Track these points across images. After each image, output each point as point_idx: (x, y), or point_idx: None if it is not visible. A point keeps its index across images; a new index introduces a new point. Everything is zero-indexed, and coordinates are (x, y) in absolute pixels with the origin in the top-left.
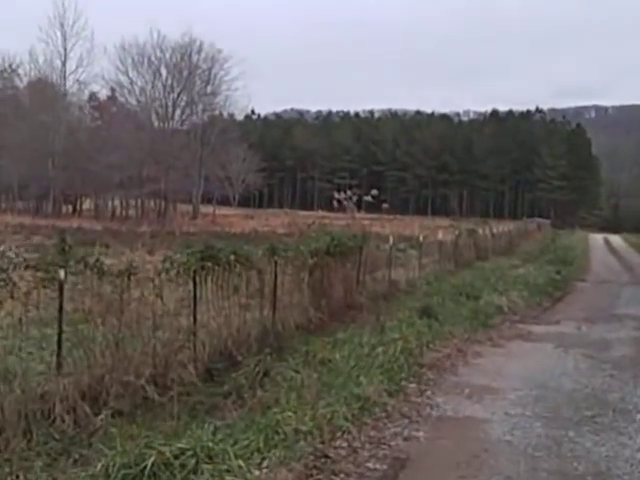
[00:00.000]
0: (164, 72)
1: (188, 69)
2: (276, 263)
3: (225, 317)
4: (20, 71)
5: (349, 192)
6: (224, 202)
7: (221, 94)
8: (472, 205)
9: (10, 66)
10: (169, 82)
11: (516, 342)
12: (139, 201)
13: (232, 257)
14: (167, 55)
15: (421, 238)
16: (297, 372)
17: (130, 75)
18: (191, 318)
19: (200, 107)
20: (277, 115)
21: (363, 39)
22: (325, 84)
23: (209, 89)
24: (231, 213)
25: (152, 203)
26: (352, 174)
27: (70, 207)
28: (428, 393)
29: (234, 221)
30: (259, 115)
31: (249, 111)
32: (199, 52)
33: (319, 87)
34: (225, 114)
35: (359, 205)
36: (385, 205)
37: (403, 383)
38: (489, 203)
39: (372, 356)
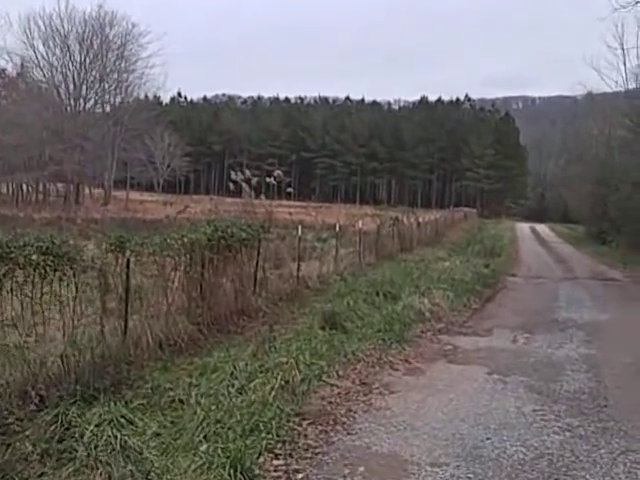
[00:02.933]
0: (74, 46)
1: (100, 43)
2: (128, 261)
3: (35, 339)
4: None
5: (247, 172)
6: (149, 188)
7: (136, 71)
8: (400, 194)
9: None
10: (80, 57)
11: (439, 364)
12: (43, 185)
13: (36, 257)
14: (77, 28)
15: (337, 227)
16: (118, 426)
17: (38, 49)
18: None
19: (112, 85)
20: (207, 100)
21: (297, 27)
22: (257, 71)
23: (122, 66)
24: (149, 199)
25: (58, 187)
26: (281, 160)
27: None
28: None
29: (150, 207)
30: (186, 98)
31: (176, 94)
32: (112, 25)
33: (250, 74)
34: (141, 94)
35: (273, 190)
36: (290, 189)
37: (261, 459)
38: (417, 192)
39: (240, 395)
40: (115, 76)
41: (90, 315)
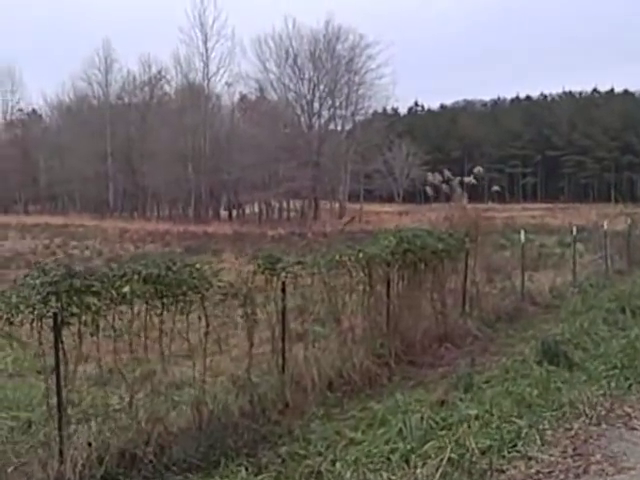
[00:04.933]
0: (305, 64)
1: (329, 59)
2: (284, 284)
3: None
4: (167, 76)
5: (447, 173)
6: (389, 199)
7: (365, 83)
8: None
9: (159, 72)
10: (310, 75)
11: None
12: (280, 203)
13: (133, 287)
14: (307, 46)
15: (574, 230)
16: None
17: (271, 71)
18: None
19: (343, 99)
20: (444, 107)
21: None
22: (496, 73)
23: (352, 79)
24: (383, 210)
25: (295, 204)
26: (524, 161)
27: (226, 212)
28: None
29: (385, 218)
30: (423, 107)
31: (413, 103)
32: (339, 40)
33: (490, 76)
34: (372, 105)
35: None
36: (495, 187)
37: None
38: None
39: (397, 470)
40: (345, 90)
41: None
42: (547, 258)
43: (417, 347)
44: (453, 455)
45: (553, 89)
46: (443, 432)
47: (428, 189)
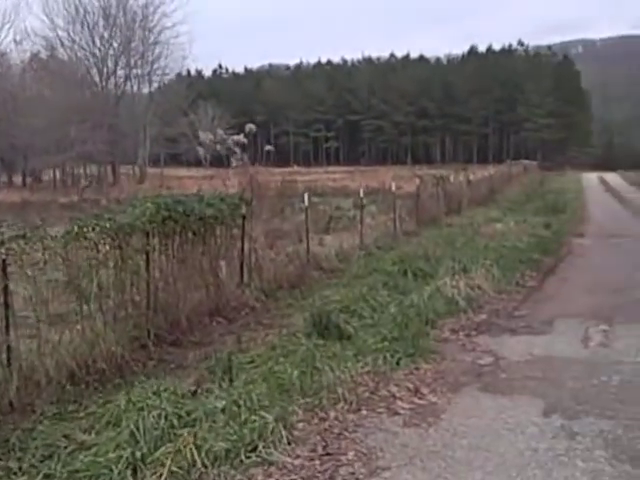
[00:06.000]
0: (97, 22)
1: (124, 16)
2: (4, 262)
3: None
4: None
5: (219, 132)
6: (197, 164)
7: (160, 43)
8: (455, 151)
9: None
10: (103, 33)
11: (466, 397)
12: (80, 168)
13: None
14: (96, 2)
15: (361, 192)
16: None
17: (60, 27)
18: None
19: (138, 58)
20: (248, 70)
21: None
22: (297, 37)
23: (148, 36)
24: (187, 174)
25: (89, 169)
26: (328, 126)
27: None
28: None
29: (187, 183)
30: (227, 70)
31: (217, 66)
32: None
33: (292, 41)
34: (169, 65)
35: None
36: (268, 147)
37: None
38: (472, 148)
39: None
40: (141, 49)
41: None
42: (340, 221)
43: (184, 324)
44: (179, 466)
45: (354, 54)
46: (185, 430)
47: (200, 150)
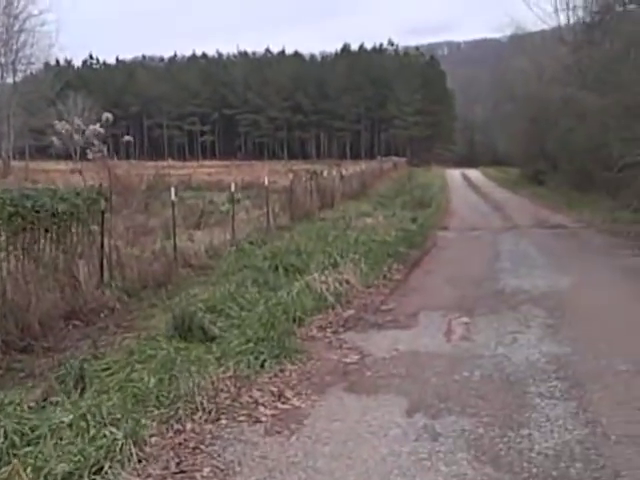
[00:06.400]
0: None
1: None
2: None
3: None
4: None
5: (77, 121)
6: (67, 157)
7: (27, 30)
8: (330, 147)
9: None
10: None
11: (331, 399)
12: None
13: None
14: None
15: (232, 186)
16: None
17: None
18: None
19: (4, 46)
20: (120, 61)
21: None
22: (171, 29)
23: (17, 25)
24: (55, 168)
25: None
26: (203, 119)
27: None
28: None
29: (55, 176)
30: (98, 60)
31: (88, 57)
32: None
33: (165, 32)
34: (34, 53)
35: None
36: (127, 137)
37: None
38: (346, 144)
39: None
40: (5, 36)
41: None
42: (212, 216)
43: (36, 329)
44: None
45: (229, 48)
46: (28, 449)
47: (54, 140)
